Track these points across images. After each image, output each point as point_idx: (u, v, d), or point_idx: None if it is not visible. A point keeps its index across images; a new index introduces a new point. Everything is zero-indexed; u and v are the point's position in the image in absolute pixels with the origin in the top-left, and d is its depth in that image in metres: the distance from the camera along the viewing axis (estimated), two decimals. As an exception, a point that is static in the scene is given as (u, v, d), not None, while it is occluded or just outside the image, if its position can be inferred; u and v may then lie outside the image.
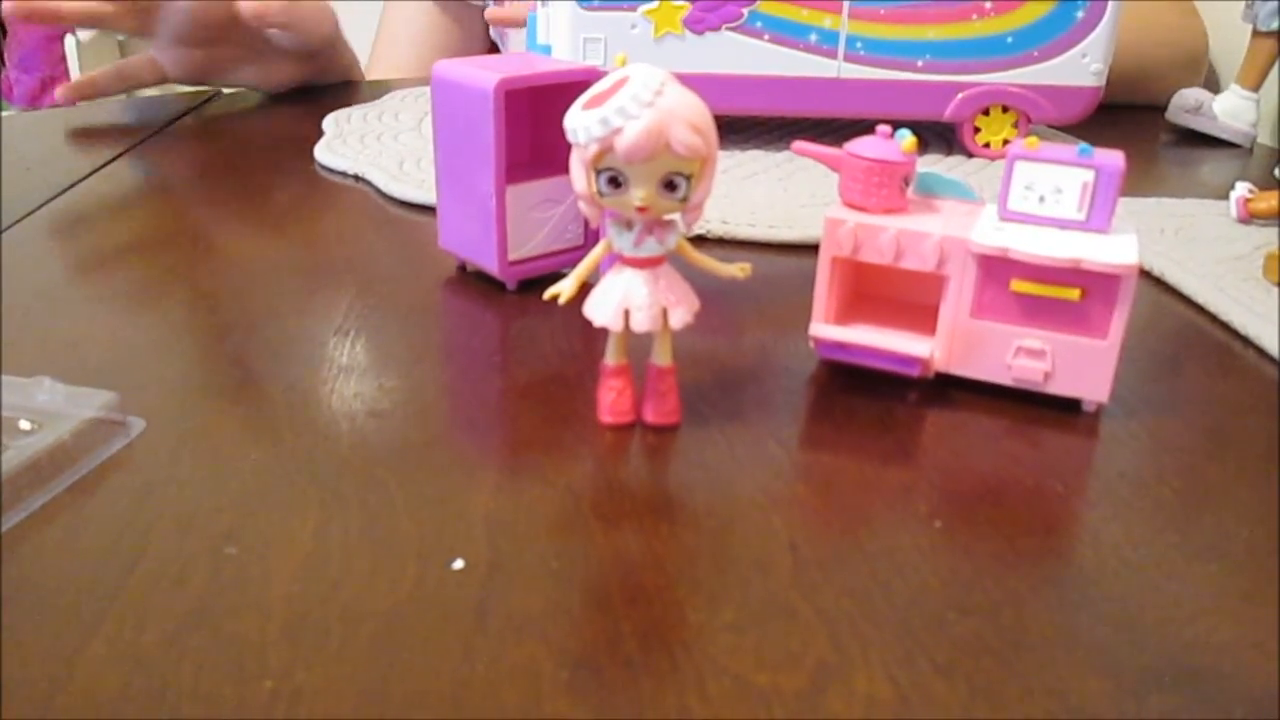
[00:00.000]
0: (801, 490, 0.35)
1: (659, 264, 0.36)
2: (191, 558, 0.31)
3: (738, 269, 0.37)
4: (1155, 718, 0.26)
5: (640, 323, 0.36)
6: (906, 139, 0.40)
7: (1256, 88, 0.87)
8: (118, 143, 0.77)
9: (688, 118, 0.33)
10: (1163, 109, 0.91)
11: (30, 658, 0.27)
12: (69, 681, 0.26)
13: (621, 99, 0.33)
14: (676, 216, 0.36)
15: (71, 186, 0.67)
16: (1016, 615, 0.29)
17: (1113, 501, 0.36)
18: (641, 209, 0.34)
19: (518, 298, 0.50)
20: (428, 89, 0.81)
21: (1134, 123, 0.93)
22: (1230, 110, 0.88)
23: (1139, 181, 0.72)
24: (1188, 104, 0.90)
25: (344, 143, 0.74)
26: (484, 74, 0.46)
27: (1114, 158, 0.40)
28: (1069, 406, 0.41)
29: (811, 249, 0.54)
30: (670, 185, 0.34)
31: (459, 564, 0.31)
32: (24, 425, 0.35)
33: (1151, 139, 0.90)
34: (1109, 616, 0.30)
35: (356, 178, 0.68)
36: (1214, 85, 1.06)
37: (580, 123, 0.33)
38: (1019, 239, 0.39)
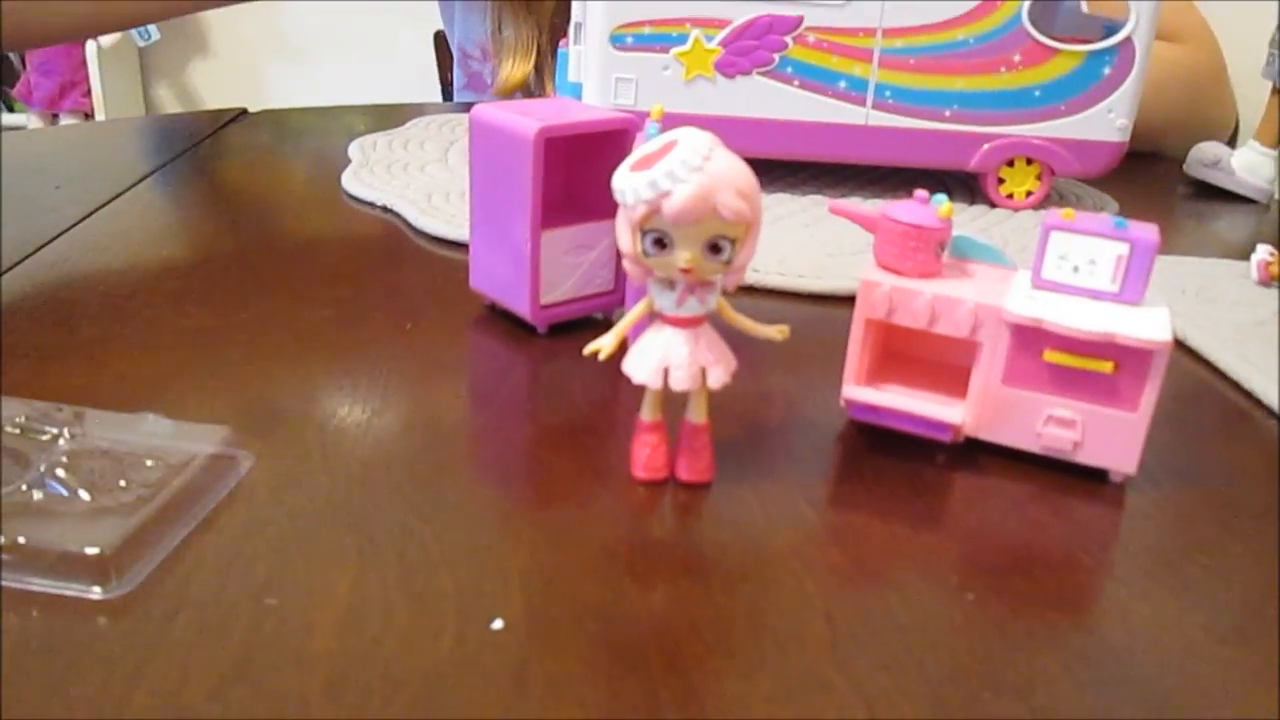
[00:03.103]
0: (834, 555, 0.36)
1: (699, 323, 0.37)
2: (232, 607, 0.31)
3: (776, 331, 0.38)
4: (1189, 808, 0.26)
5: (679, 381, 0.36)
6: (943, 205, 0.41)
7: (1276, 144, 0.88)
8: (141, 165, 0.78)
9: (735, 183, 0.34)
10: (1180, 161, 0.92)
11: (75, 706, 0.27)
12: (113, 732, 0.26)
13: (671, 163, 0.33)
14: (718, 277, 0.36)
15: (97, 210, 0.67)
16: (1049, 696, 0.30)
17: (1141, 578, 0.36)
18: (685, 270, 0.35)
19: (548, 341, 0.50)
20: (451, 116, 0.81)
21: (1152, 175, 0.93)
22: (1248, 166, 0.89)
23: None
24: (1206, 158, 0.91)
25: (371, 172, 0.74)
26: (524, 120, 0.47)
27: (1148, 231, 0.40)
28: (1095, 475, 0.41)
29: (840, 299, 0.55)
30: (715, 248, 0.35)
31: (498, 624, 0.31)
32: (149, 464, 0.36)
33: (1169, 192, 0.90)
34: (1140, 699, 0.30)
35: (385, 209, 0.68)
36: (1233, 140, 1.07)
37: (629, 184, 0.34)
38: (1053, 309, 0.39)
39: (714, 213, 0.33)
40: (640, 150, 0.35)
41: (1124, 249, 0.40)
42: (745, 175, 0.34)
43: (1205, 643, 0.32)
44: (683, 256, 0.34)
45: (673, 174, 0.33)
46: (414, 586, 0.32)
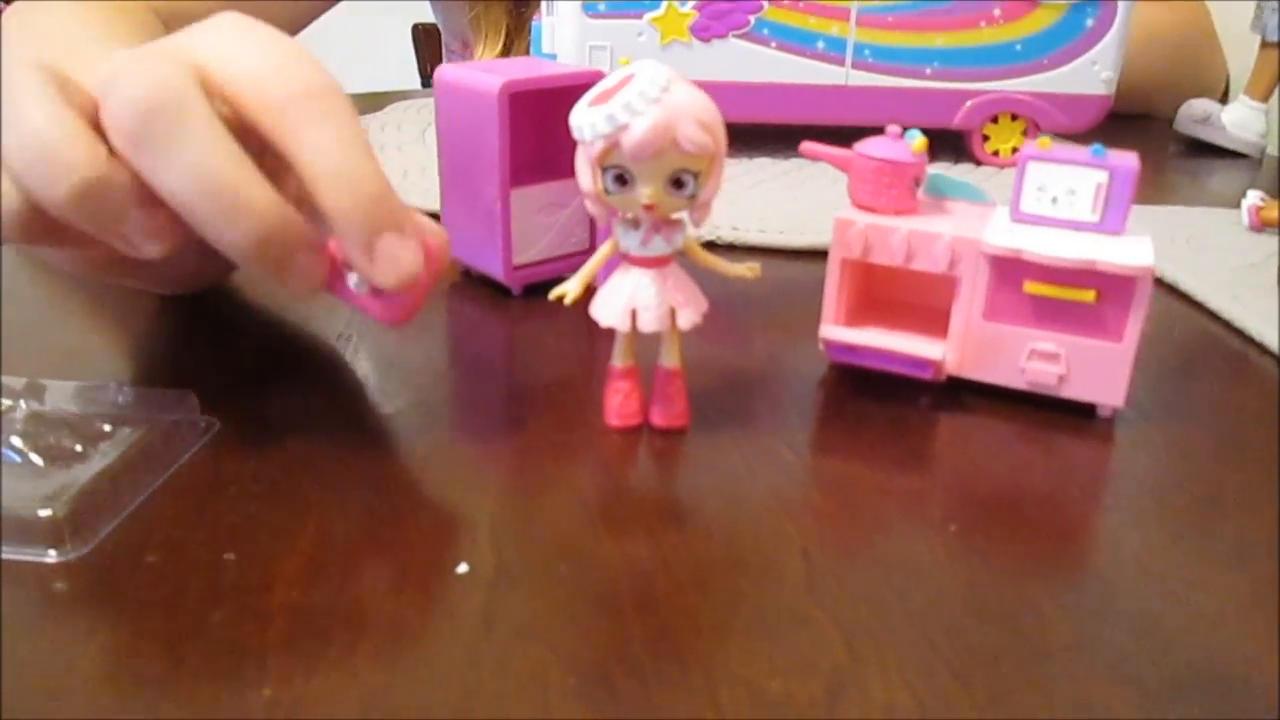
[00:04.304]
0: (814, 495, 0.35)
1: (666, 264, 0.36)
2: (190, 565, 0.30)
3: (746, 268, 0.37)
4: (1182, 726, 0.25)
5: (647, 323, 0.35)
6: (917, 139, 0.40)
7: (1265, 99, 0.87)
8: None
9: (695, 114, 0.33)
10: (1171, 119, 0.91)
11: (23, 670, 0.26)
12: (63, 695, 0.25)
13: (628, 95, 0.32)
14: (684, 215, 0.35)
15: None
16: (1036, 622, 0.29)
17: (1131, 508, 0.35)
18: (649, 207, 0.34)
19: (523, 303, 0.49)
20: (430, 100, 0.79)
21: (1142, 133, 0.92)
22: (1239, 121, 0.88)
23: (1148, 191, 0.71)
24: (1196, 114, 0.90)
25: (347, 152, 0.73)
26: (488, 77, 0.46)
27: (1128, 159, 0.39)
28: (1083, 412, 0.40)
29: (822, 256, 0.54)
30: (678, 183, 0.33)
31: (463, 568, 0.30)
32: (107, 429, 0.35)
33: (1160, 149, 0.89)
34: (1130, 624, 0.29)
35: (360, 186, 0.67)
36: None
37: (586, 119, 0.33)
38: (1032, 240, 0.38)
39: (674, 145, 0.32)
40: (598, 86, 0.34)
41: (1103, 177, 0.39)
42: (706, 106, 0.33)
43: (1198, 568, 0.31)
44: (645, 192, 0.33)
45: (630, 106, 0.32)
46: (380, 537, 0.31)
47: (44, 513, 0.31)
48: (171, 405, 0.37)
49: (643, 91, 0.32)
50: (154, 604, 0.28)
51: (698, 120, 0.32)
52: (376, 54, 1.27)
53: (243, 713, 0.25)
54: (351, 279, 0.35)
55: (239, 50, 0.34)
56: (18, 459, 0.33)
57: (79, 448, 0.34)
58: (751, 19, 0.69)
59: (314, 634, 0.27)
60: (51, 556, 0.30)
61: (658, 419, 0.37)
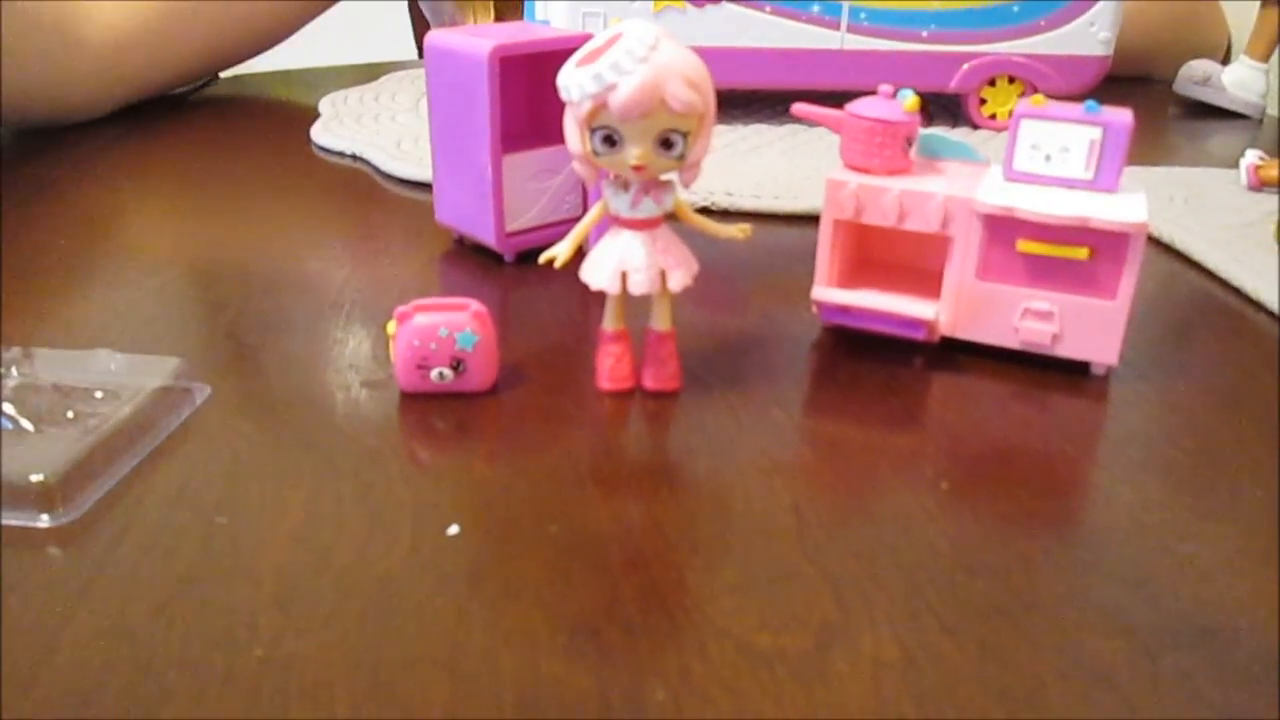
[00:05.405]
0: (805, 454, 0.35)
1: (656, 225, 0.36)
2: (181, 529, 0.30)
3: (737, 229, 0.37)
4: (1171, 676, 0.25)
5: (638, 285, 0.35)
6: (909, 99, 0.40)
7: (1266, 59, 0.86)
8: (104, 128, 0.76)
9: (683, 73, 0.32)
10: (1170, 81, 0.90)
11: (10, 633, 0.26)
12: (52, 657, 0.25)
13: (615, 54, 0.32)
14: (674, 176, 0.35)
15: (53, 170, 0.66)
16: (1027, 576, 0.29)
17: (1124, 464, 0.35)
18: (637, 168, 0.33)
19: (515, 269, 0.49)
20: (424, 70, 0.79)
21: (1141, 95, 0.92)
22: (1239, 82, 0.87)
23: (1147, 152, 0.71)
24: (1196, 75, 0.89)
25: (341, 123, 0.73)
26: (478, 41, 0.45)
27: (1122, 115, 0.39)
28: (1078, 370, 0.40)
29: (816, 221, 0.53)
30: (667, 143, 0.33)
31: (454, 530, 0.30)
32: (98, 395, 0.35)
33: (1160, 111, 0.88)
34: (1122, 577, 0.29)
35: (354, 157, 0.67)
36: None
37: (573, 79, 0.33)
38: (1025, 198, 0.38)
39: (663, 105, 0.32)
40: (586, 46, 0.33)
41: (1096, 133, 0.38)
42: (694, 65, 0.33)
43: (1190, 521, 0.31)
44: (633, 153, 0.33)
45: (618, 66, 0.32)
46: (370, 500, 0.31)
47: (36, 478, 0.31)
48: (163, 372, 0.37)
49: (630, 50, 0.32)
50: (146, 567, 0.28)
51: (686, 79, 0.32)
52: (372, 25, 1.26)
53: (234, 673, 0.25)
54: (433, 374, 0.36)
55: None
56: (9, 425, 0.33)
57: (71, 414, 0.34)
58: (745, -17, 0.68)
59: (304, 595, 0.27)
60: (44, 521, 0.30)
61: (649, 382, 0.37)
